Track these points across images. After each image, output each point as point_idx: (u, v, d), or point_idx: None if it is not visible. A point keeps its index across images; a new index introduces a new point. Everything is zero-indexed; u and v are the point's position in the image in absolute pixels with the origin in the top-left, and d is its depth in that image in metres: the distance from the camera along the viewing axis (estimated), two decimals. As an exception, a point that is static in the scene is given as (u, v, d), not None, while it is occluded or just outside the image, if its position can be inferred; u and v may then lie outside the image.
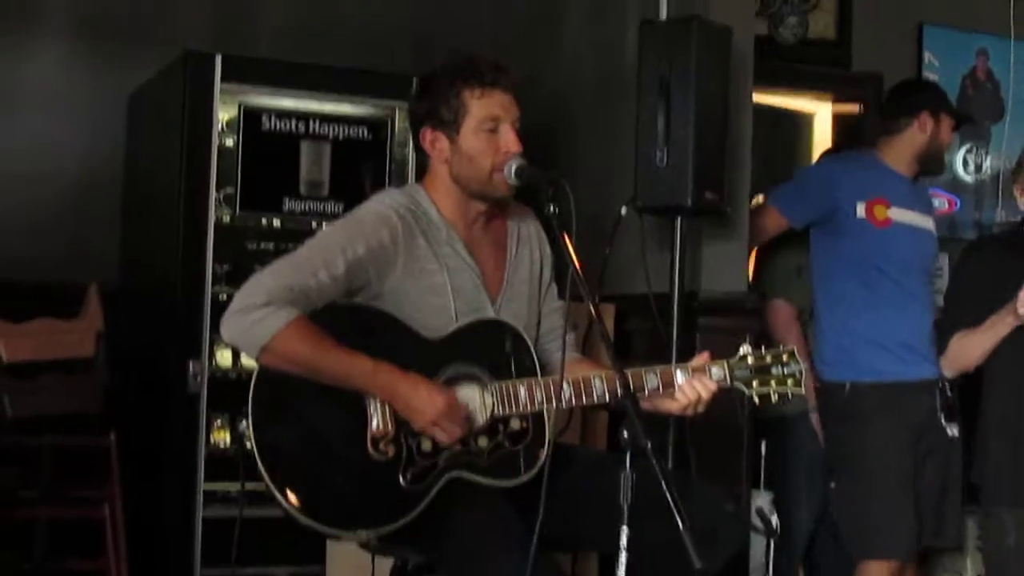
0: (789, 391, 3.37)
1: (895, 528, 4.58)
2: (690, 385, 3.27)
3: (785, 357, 3.38)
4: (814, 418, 5.01)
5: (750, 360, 3.36)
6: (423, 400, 3.11)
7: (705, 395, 3.29)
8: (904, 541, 4.60)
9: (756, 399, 3.37)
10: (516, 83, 3.35)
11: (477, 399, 3.21)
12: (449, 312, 3.28)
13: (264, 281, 3.11)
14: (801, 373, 3.38)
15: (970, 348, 4.49)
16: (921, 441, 4.65)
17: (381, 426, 3.14)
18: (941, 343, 4.58)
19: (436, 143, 3.35)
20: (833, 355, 4.76)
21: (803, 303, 5.01)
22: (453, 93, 3.29)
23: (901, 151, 4.83)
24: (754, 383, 3.35)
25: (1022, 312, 4.19)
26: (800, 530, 5.19)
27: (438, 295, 3.28)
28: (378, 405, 3.14)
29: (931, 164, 4.89)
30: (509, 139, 3.30)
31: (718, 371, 3.33)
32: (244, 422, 3.13)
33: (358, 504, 3.14)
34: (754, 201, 5.21)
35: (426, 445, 3.16)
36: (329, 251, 3.18)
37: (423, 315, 3.25)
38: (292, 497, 3.07)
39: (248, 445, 3.10)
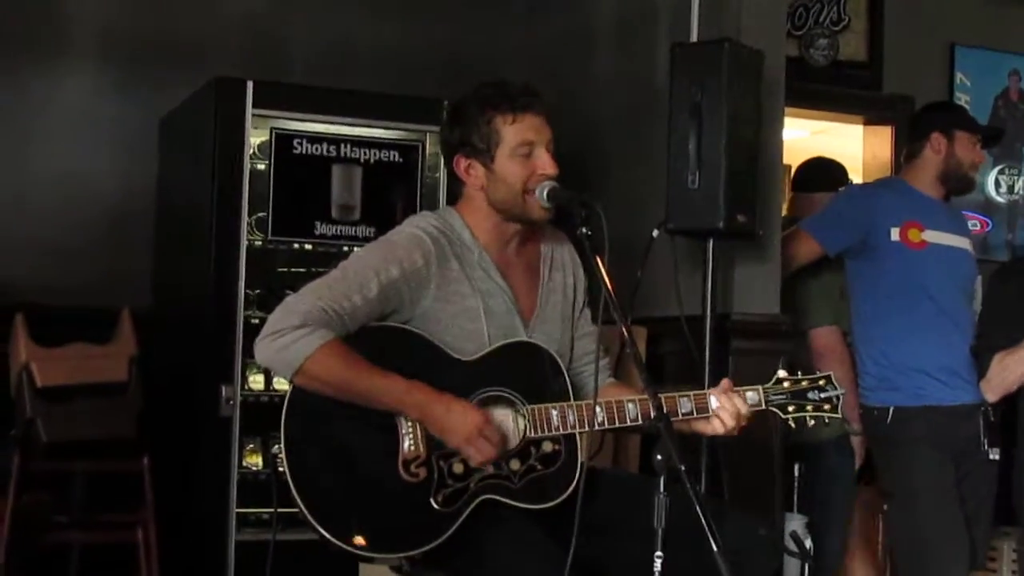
0: (825, 416, 3.36)
1: (949, 550, 4.58)
2: (725, 409, 3.26)
3: (822, 382, 3.36)
4: (856, 441, 5.00)
5: (786, 384, 3.35)
6: (457, 419, 3.11)
7: (742, 418, 3.27)
8: (958, 561, 4.60)
9: (792, 424, 3.35)
10: (547, 106, 3.35)
11: (510, 422, 3.21)
12: (482, 336, 3.28)
13: (298, 303, 3.12)
14: (838, 399, 3.36)
15: (1012, 367, 4.48)
16: (960, 465, 4.63)
17: (413, 448, 3.14)
18: (980, 367, 4.56)
19: (471, 170, 3.35)
20: (876, 381, 4.74)
21: (847, 326, 5.00)
22: (485, 120, 3.30)
23: (923, 174, 4.83)
24: (790, 408, 3.34)
25: None
26: (832, 554, 5.17)
27: (471, 319, 3.28)
28: (410, 427, 3.14)
29: (955, 183, 4.87)
30: (543, 161, 3.30)
31: (753, 395, 3.32)
32: (276, 445, 3.14)
33: (390, 527, 3.14)
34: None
35: (458, 468, 3.16)
36: (363, 273, 3.18)
37: (456, 338, 3.25)
38: (324, 520, 3.06)
39: (280, 468, 3.10)
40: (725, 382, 3.33)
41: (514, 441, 3.19)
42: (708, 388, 3.33)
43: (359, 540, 3.11)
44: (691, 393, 3.29)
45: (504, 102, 3.29)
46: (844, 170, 5.54)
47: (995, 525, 4.94)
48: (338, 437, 3.15)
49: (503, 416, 3.20)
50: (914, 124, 5.06)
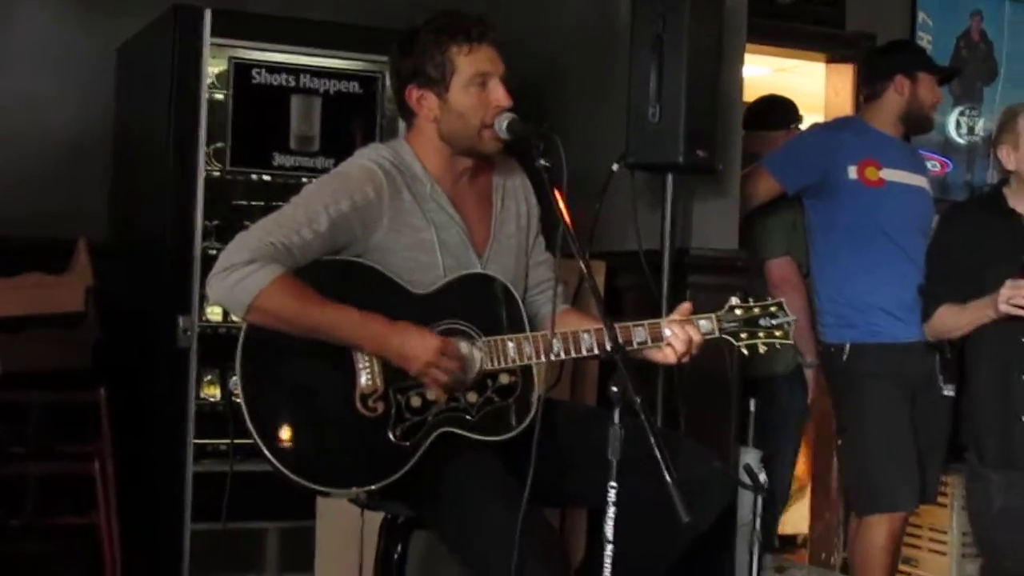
0: (777, 342, 3.37)
1: (899, 483, 4.65)
2: (677, 336, 3.27)
3: (773, 309, 3.38)
4: (809, 374, 5.05)
5: (738, 312, 3.36)
6: (416, 345, 3.11)
7: (694, 345, 3.28)
8: (908, 494, 4.68)
9: (745, 351, 3.37)
10: (499, 37, 3.33)
11: (468, 359, 3.20)
12: (437, 267, 3.28)
13: (247, 239, 3.10)
14: (789, 324, 3.38)
15: (952, 323, 4.50)
16: (916, 400, 4.68)
17: (370, 382, 3.14)
18: (925, 309, 4.58)
19: (423, 101, 3.32)
20: (832, 318, 4.78)
21: (802, 258, 5.04)
22: (440, 50, 3.27)
23: (884, 114, 4.85)
24: (743, 335, 3.36)
25: (1002, 309, 4.20)
26: (784, 487, 5.23)
27: (425, 251, 3.27)
28: (366, 361, 3.14)
29: (916, 123, 4.92)
30: (499, 94, 3.28)
31: (707, 323, 3.33)
32: (233, 378, 3.13)
33: (347, 461, 3.15)
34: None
35: (415, 401, 3.16)
36: (313, 207, 3.16)
37: (410, 271, 3.24)
38: (280, 454, 3.07)
39: (236, 400, 3.10)
40: (684, 306, 3.33)
41: (472, 373, 3.20)
42: (663, 318, 3.35)
43: (315, 473, 3.11)
44: (645, 323, 3.29)
45: (459, 32, 3.27)
46: (795, 107, 5.55)
47: (948, 461, 4.98)
48: (294, 372, 3.14)
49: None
50: (874, 64, 5.08)
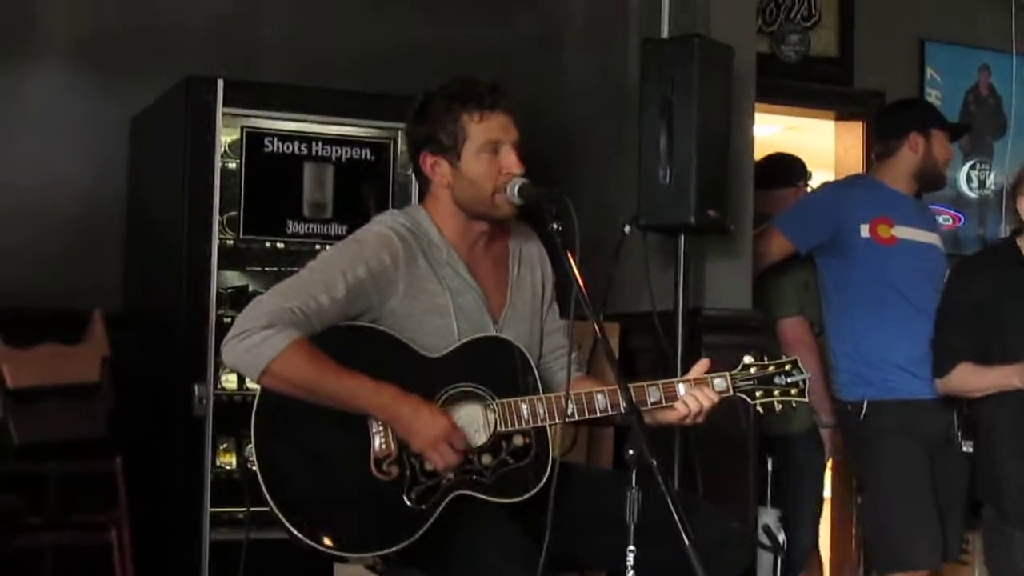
0: (793, 400, 3.37)
1: (919, 540, 4.61)
2: (691, 395, 3.27)
3: (788, 367, 3.38)
4: (825, 433, 5.03)
5: (753, 370, 3.37)
6: (424, 423, 3.11)
7: (707, 405, 3.29)
8: (929, 552, 4.63)
9: (760, 409, 3.37)
10: (514, 105, 3.35)
11: (479, 416, 3.21)
12: (452, 333, 3.28)
13: (264, 304, 3.11)
14: (805, 383, 3.38)
15: (973, 384, 4.49)
16: (934, 457, 4.65)
17: (384, 447, 3.14)
18: (941, 363, 4.56)
19: (436, 168, 3.35)
20: (848, 376, 4.76)
21: (814, 317, 5.03)
22: (452, 118, 3.30)
23: (897, 172, 4.86)
24: (758, 393, 3.36)
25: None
26: (802, 547, 5.20)
27: (440, 316, 3.28)
28: (380, 426, 3.14)
29: (930, 181, 4.93)
30: (510, 161, 3.30)
31: (721, 382, 3.33)
32: (248, 445, 3.13)
33: (363, 525, 3.14)
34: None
35: (430, 465, 3.16)
36: (330, 273, 3.18)
37: (425, 335, 3.25)
38: (296, 519, 3.06)
39: (252, 468, 3.10)
40: (701, 363, 3.34)
41: (485, 435, 3.20)
42: (678, 377, 3.35)
43: (328, 541, 3.09)
44: (659, 382, 3.29)
45: (471, 100, 3.29)
46: (803, 164, 5.56)
47: (968, 517, 4.95)
48: (309, 436, 3.14)
49: (472, 411, 3.21)
50: (886, 122, 5.08)
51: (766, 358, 3.41)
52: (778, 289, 5.11)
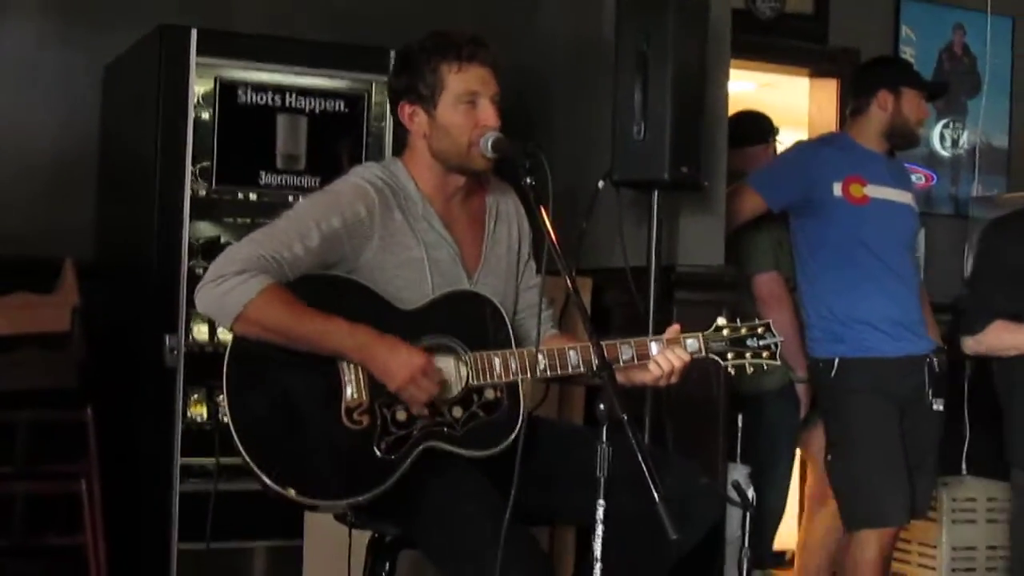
0: (764, 363, 3.39)
1: (889, 497, 4.65)
2: (664, 356, 3.29)
3: (760, 330, 3.40)
4: (800, 388, 5.06)
5: (726, 332, 3.38)
6: (400, 359, 3.11)
7: (679, 365, 3.30)
8: (898, 509, 4.67)
9: (732, 370, 3.39)
10: (496, 58, 3.35)
11: (452, 369, 3.22)
12: (426, 286, 3.29)
13: (238, 251, 3.13)
14: (776, 346, 3.41)
15: (1008, 341, 4.54)
16: (905, 415, 4.68)
17: (355, 396, 3.15)
18: (975, 319, 4.59)
19: (414, 117, 3.36)
20: (821, 333, 4.78)
21: (789, 273, 5.05)
22: (431, 68, 3.30)
23: (868, 130, 4.86)
24: (729, 355, 3.38)
25: None
26: (777, 503, 5.23)
27: (415, 269, 3.29)
28: (352, 375, 3.15)
29: (901, 139, 4.91)
30: (487, 113, 3.30)
31: (693, 343, 3.35)
32: (220, 395, 3.14)
33: (333, 474, 3.15)
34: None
35: (400, 415, 3.17)
36: (304, 223, 3.18)
37: (399, 289, 3.26)
38: (267, 468, 3.07)
39: (223, 418, 3.10)
40: (672, 328, 3.35)
41: (456, 389, 3.21)
42: (650, 336, 3.36)
43: (298, 490, 3.10)
44: (632, 340, 3.31)
45: (451, 50, 3.29)
46: (770, 120, 5.57)
47: (938, 475, 5.00)
48: (280, 385, 3.15)
49: (445, 364, 3.21)
50: (859, 79, 5.08)
51: (739, 319, 3.42)
52: (753, 244, 5.13)
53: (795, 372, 5.05)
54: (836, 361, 4.72)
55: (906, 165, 5.41)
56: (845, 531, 4.81)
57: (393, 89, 3.42)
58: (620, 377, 3.26)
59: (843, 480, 4.77)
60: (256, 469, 3.06)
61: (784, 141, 5.56)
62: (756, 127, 5.49)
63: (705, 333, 3.37)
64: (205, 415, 4.95)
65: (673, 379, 3.33)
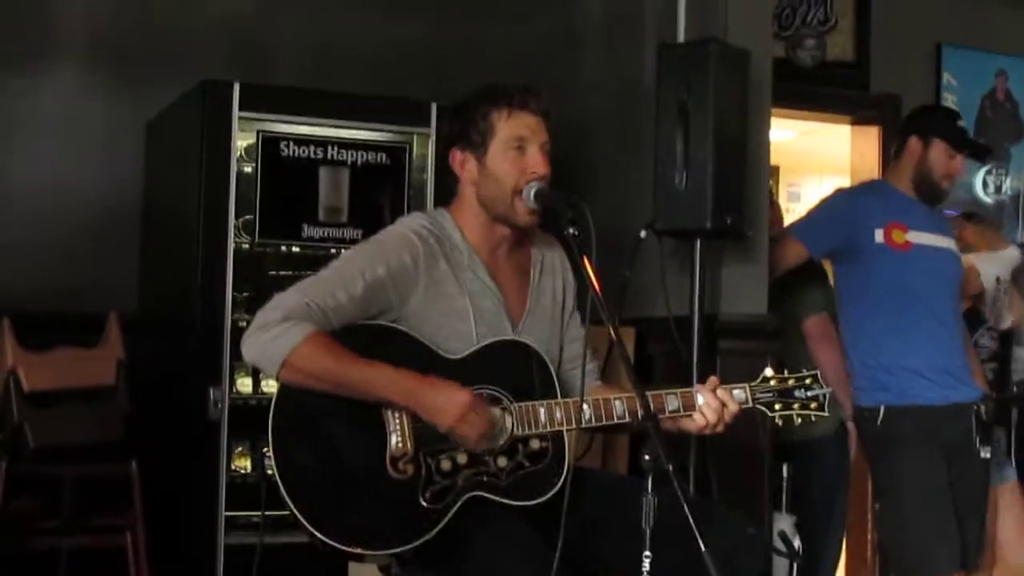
0: (812, 414, 3.37)
1: (938, 546, 4.58)
2: (710, 407, 3.27)
3: (808, 380, 3.38)
4: (852, 427, 5.02)
5: (773, 383, 3.37)
6: (446, 398, 3.11)
7: (728, 415, 3.28)
8: (949, 558, 4.59)
9: (779, 422, 3.37)
10: (547, 108, 3.38)
11: (497, 419, 3.21)
12: (471, 336, 3.29)
13: (283, 300, 3.15)
14: (825, 397, 3.39)
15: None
16: (953, 463, 4.63)
17: (400, 445, 3.14)
18: None
19: (465, 164, 3.39)
20: (866, 382, 4.74)
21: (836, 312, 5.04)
22: (482, 114, 3.34)
23: (902, 175, 4.84)
24: (777, 406, 3.36)
25: None
26: (828, 552, 5.19)
27: (460, 318, 3.29)
28: (396, 424, 3.15)
29: (925, 189, 4.82)
30: (536, 160, 3.32)
31: (740, 393, 3.33)
32: (265, 447, 3.14)
33: (378, 523, 3.14)
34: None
35: (445, 464, 3.17)
36: (349, 272, 3.21)
37: (444, 338, 3.26)
38: (313, 518, 3.06)
39: (269, 471, 3.10)
40: (712, 379, 3.34)
41: (502, 438, 3.20)
42: (695, 386, 3.34)
43: (346, 535, 3.09)
44: (678, 391, 3.30)
45: (502, 98, 3.33)
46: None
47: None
48: (325, 435, 3.15)
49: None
50: (903, 124, 5.06)
51: (786, 370, 3.40)
52: (801, 288, 5.12)
53: (845, 411, 5.01)
54: (881, 409, 4.67)
55: (948, 213, 5.39)
56: None
57: (446, 136, 3.46)
58: (667, 424, 3.27)
59: (892, 530, 4.71)
60: (302, 519, 3.06)
61: (827, 188, 5.56)
62: None
63: (752, 384, 3.36)
64: (249, 467, 4.94)
65: (719, 429, 3.31)
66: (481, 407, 3.15)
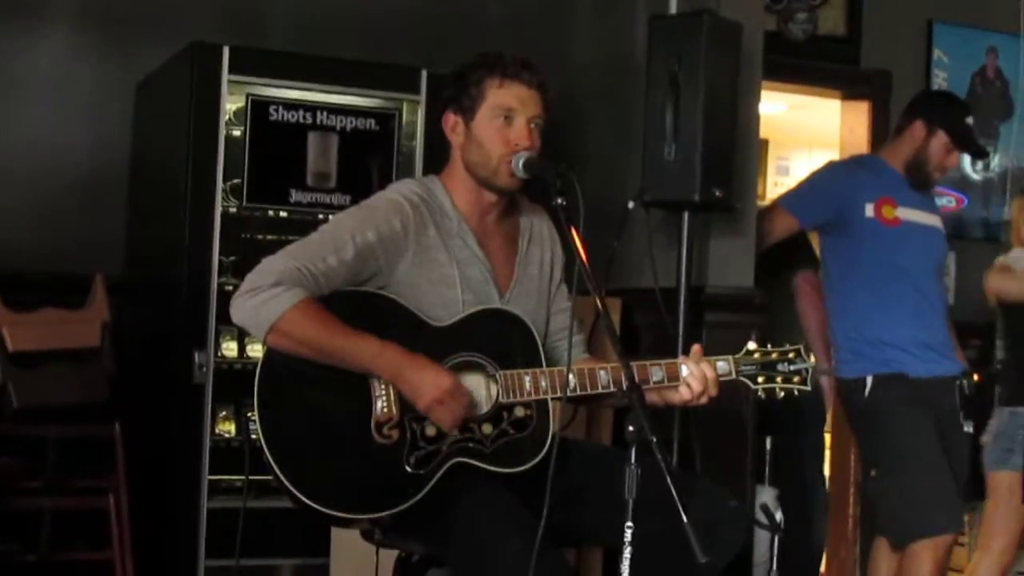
0: (795, 388, 3.39)
1: (941, 505, 4.59)
2: (695, 377, 3.28)
3: (792, 355, 3.40)
4: (823, 381, 5.03)
5: (756, 356, 3.38)
6: (429, 380, 3.12)
7: (711, 381, 3.29)
8: (952, 517, 4.62)
9: (762, 394, 3.38)
10: (542, 83, 3.38)
11: (482, 387, 3.22)
12: (457, 303, 3.30)
13: (274, 263, 3.15)
14: (808, 371, 3.40)
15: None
16: (943, 437, 4.64)
17: (385, 410, 3.15)
18: None
19: (456, 128, 3.40)
20: (850, 354, 4.76)
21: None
22: (475, 80, 3.35)
23: (898, 154, 4.86)
24: (760, 379, 3.37)
25: None
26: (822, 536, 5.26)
27: (447, 286, 3.30)
28: (383, 389, 3.15)
29: (915, 175, 4.84)
30: (520, 132, 3.32)
31: (724, 365, 3.35)
32: (249, 412, 3.14)
33: (362, 488, 3.15)
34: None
35: (430, 431, 3.17)
36: (339, 236, 3.21)
37: (431, 305, 3.27)
38: (296, 482, 3.07)
39: (253, 435, 3.11)
40: (695, 348, 3.35)
41: (486, 405, 3.21)
42: (680, 357, 3.35)
43: (330, 500, 3.10)
44: (663, 361, 3.30)
45: (497, 66, 3.35)
46: None
47: (968, 499, 4.96)
48: (311, 399, 3.16)
49: (475, 381, 3.22)
50: (911, 103, 5.02)
51: (769, 344, 3.41)
52: (792, 252, 5.14)
53: (820, 366, 5.01)
54: (868, 379, 4.68)
55: (938, 188, 5.39)
56: (894, 550, 4.73)
57: (441, 99, 3.46)
58: (654, 397, 3.28)
59: (891, 496, 4.68)
60: (286, 483, 3.07)
61: (816, 163, 5.57)
62: None
63: (736, 356, 3.37)
64: (233, 431, 4.95)
65: (704, 399, 3.32)
66: (461, 393, 3.16)
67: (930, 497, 4.58)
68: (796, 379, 3.39)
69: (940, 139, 4.80)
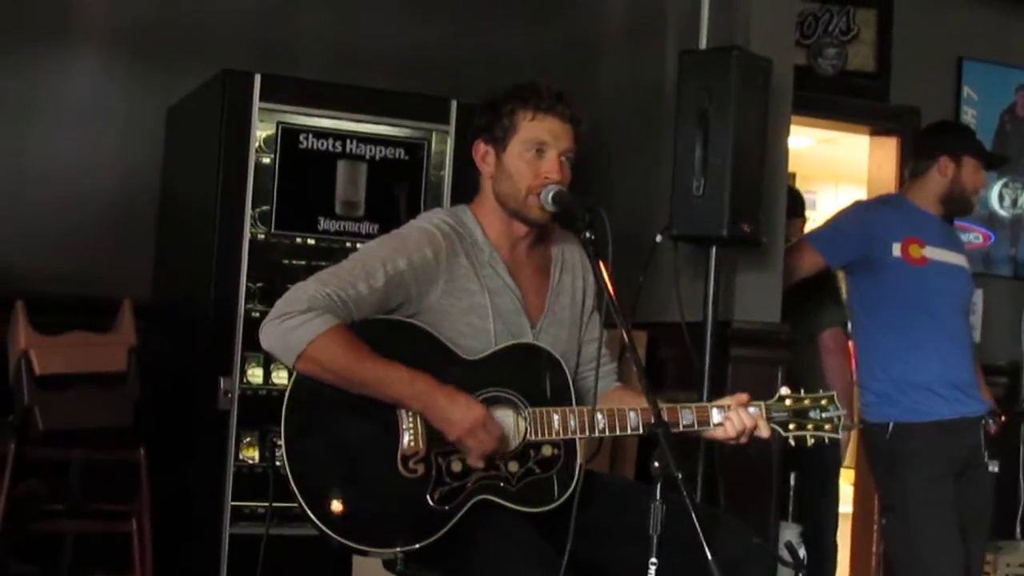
0: (826, 436, 3.36)
1: (944, 561, 4.59)
2: (735, 424, 3.27)
3: (824, 401, 3.37)
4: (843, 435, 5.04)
5: (788, 403, 3.36)
6: (459, 411, 3.11)
7: (750, 425, 3.28)
8: (953, 570, 4.60)
9: (792, 442, 3.36)
10: (575, 117, 3.38)
11: (511, 423, 3.21)
12: (488, 334, 3.29)
13: (305, 289, 3.14)
14: (839, 419, 3.37)
15: None
16: (961, 476, 4.64)
17: (412, 444, 3.14)
18: None
19: (486, 158, 3.40)
20: (875, 397, 4.75)
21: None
22: (508, 111, 3.35)
23: (926, 193, 4.86)
24: (791, 426, 3.35)
25: None
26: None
27: (478, 316, 3.29)
28: (410, 422, 3.15)
29: (957, 206, 4.92)
30: (551, 166, 3.31)
31: (755, 411, 3.33)
32: (275, 438, 3.14)
33: (385, 521, 3.14)
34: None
35: (456, 466, 3.17)
36: (371, 264, 3.20)
37: (462, 335, 3.27)
38: (320, 513, 3.07)
39: (278, 462, 3.10)
40: (743, 397, 3.33)
41: (514, 443, 3.20)
42: (706, 395, 3.36)
43: (353, 531, 3.09)
44: (693, 406, 3.30)
45: (530, 98, 3.34)
46: (802, 199, 5.77)
47: (991, 538, 4.94)
48: (338, 429, 3.15)
49: (504, 417, 3.21)
50: (922, 142, 5.07)
51: (802, 390, 3.39)
52: (820, 303, 5.14)
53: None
54: (891, 425, 4.69)
55: (964, 224, 5.39)
56: None
57: (473, 128, 3.46)
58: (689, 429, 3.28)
59: (898, 544, 4.71)
60: (309, 513, 3.06)
61: (843, 198, 5.58)
62: (793, 201, 5.51)
63: (768, 403, 3.35)
64: (257, 458, 4.95)
65: (743, 440, 3.31)
66: (493, 425, 3.15)
67: (934, 552, 4.59)
68: (828, 427, 3.36)
69: (969, 165, 4.84)
